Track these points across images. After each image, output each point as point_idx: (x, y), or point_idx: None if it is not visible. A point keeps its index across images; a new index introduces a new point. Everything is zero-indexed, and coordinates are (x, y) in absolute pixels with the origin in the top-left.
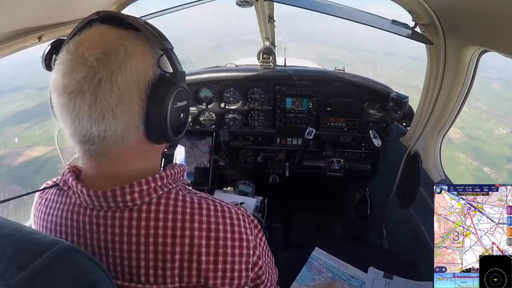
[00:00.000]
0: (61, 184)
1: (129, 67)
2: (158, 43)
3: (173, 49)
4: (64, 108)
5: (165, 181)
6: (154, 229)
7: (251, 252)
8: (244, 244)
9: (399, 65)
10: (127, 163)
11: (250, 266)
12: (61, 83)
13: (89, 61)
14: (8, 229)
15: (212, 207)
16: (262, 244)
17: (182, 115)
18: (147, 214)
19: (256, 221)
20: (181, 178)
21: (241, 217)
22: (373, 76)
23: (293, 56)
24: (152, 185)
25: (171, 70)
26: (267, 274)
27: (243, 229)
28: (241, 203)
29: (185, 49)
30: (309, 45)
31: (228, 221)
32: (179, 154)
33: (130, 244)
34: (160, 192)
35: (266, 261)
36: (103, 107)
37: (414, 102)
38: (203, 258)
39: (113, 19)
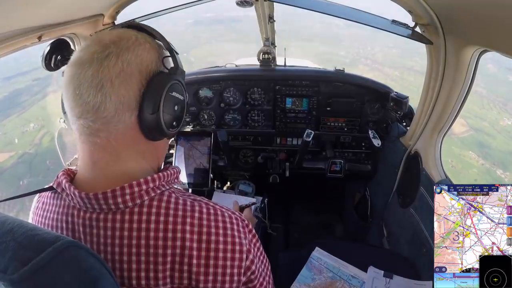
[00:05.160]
0: (55, 186)
1: (135, 52)
2: (167, 47)
3: (178, 54)
4: (71, 77)
5: (157, 183)
6: (146, 231)
7: (244, 256)
8: (237, 248)
9: (391, 43)
10: (119, 157)
11: (242, 271)
12: (76, 57)
13: (104, 41)
14: (11, 225)
15: (204, 210)
16: (256, 249)
17: (176, 108)
18: (139, 216)
19: (250, 226)
20: (176, 180)
21: (234, 221)
22: (368, 57)
23: (293, 56)
24: (144, 187)
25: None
26: (261, 279)
27: (236, 233)
28: (253, 203)
29: (161, 28)
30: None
31: (220, 224)
32: (178, 155)
33: (122, 247)
34: (153, 194)
35: (261, 267)
36: (104, 76)
37: (413, 95)
38: (194, 261)
39: (131, 25)
